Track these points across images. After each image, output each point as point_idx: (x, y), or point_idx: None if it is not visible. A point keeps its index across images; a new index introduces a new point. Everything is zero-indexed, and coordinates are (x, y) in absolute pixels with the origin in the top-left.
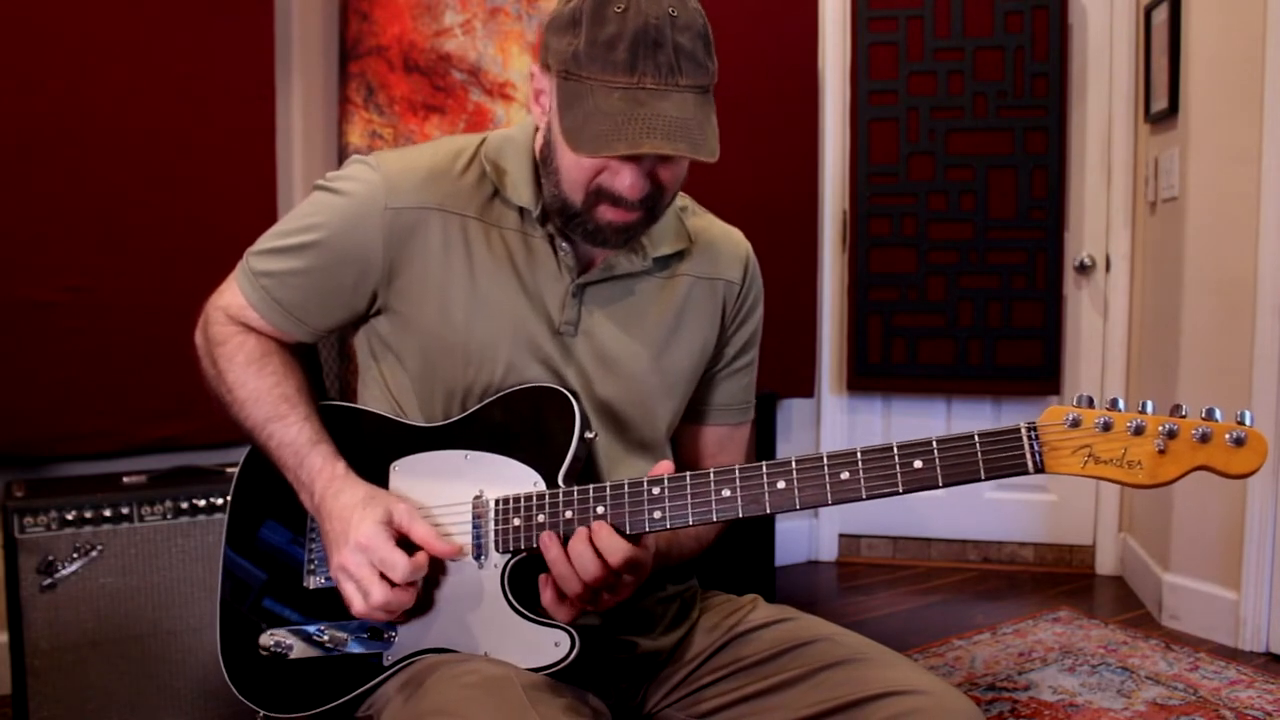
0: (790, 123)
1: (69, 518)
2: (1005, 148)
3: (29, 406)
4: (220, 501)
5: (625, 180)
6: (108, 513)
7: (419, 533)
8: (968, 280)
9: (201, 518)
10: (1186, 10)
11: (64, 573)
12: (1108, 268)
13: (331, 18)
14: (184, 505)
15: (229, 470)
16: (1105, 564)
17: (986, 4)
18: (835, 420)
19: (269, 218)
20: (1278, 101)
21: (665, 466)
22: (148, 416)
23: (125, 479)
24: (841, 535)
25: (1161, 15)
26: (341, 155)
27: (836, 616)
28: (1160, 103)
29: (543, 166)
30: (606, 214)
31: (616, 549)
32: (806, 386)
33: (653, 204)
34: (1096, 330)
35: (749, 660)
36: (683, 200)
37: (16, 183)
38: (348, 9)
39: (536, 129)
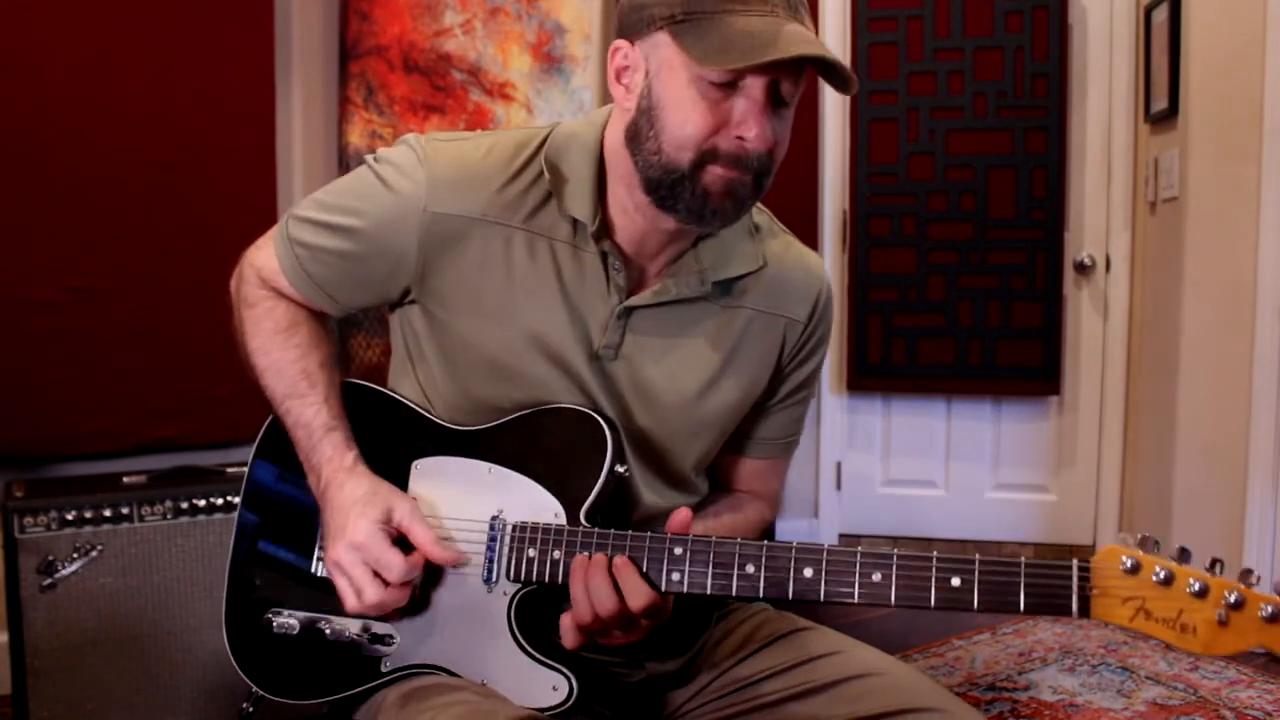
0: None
1: (69, 518)
2: (1005, 148)
3: (29, 406)
4: (220, 501)
5: (752, 129)
6: (108, 513)
7: (418, 535)
8: (968, 280)
9: (201, 518)
10: (1186, 10)
11: (64, 573)
12: (1108, 268)
13: (331, 18)
14: (184, 505)
15: (229, 470)
16: None
17: (986, 4)
18: (835, 420)
19: (269, 217)
20: (1278, 101)
21: (683, 515)
22: (148, 416)
23: (125, 479)
24: (842, 535)
25: (1161, 15)
26: (342, 155)
27: (837, 617)
28: (1160, 103)
29: (633, 143)
30: (717, 175)
31: (639, 592)
32: None
33: (762, 171)
34: (1096, 330)
35: (765, 673)
36: (759, 216)
37: (16, 182)
38: (348, 9)
39: (604, 124)
